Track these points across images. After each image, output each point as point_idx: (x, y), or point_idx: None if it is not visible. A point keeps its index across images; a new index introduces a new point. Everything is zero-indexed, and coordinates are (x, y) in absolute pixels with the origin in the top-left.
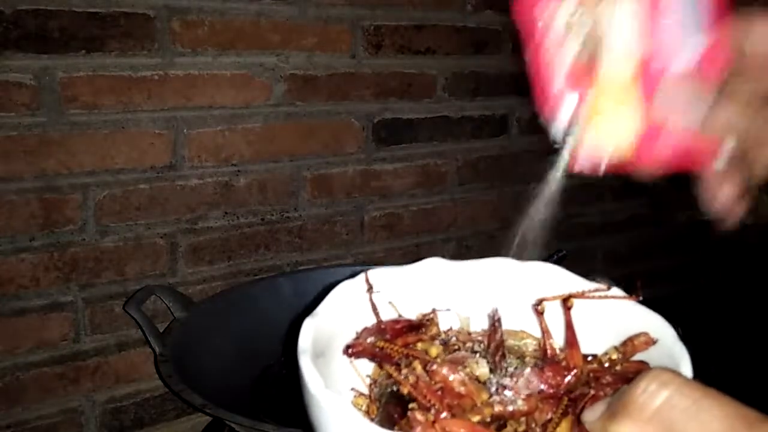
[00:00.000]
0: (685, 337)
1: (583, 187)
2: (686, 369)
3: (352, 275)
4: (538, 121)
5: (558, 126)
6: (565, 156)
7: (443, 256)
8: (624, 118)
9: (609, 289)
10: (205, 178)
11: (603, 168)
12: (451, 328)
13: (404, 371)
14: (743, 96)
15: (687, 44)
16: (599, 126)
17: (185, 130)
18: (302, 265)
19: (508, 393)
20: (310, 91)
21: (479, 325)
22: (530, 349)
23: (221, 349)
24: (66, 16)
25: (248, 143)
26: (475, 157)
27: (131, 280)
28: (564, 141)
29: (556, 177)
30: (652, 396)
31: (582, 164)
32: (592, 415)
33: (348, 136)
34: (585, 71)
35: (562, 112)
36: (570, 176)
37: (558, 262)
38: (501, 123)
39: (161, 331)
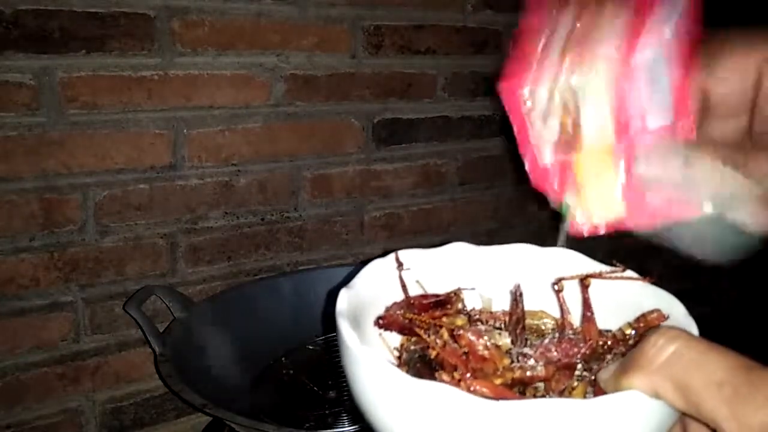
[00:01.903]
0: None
1: None
2: (693, 331)
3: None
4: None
5: (553, 198)
6: (565, 225)
7: None
8: (610, 182)
9: (624, 271)
10: (205, 178)
11: (601, 230)
12: (474, 308)
13: (432, 337)
14: (714, 142)
15: (658, 102)
16: (589, 192)
17: (185, 130)
18: (302, 265)
19: (527, 361)
20: (310, 91)
21: (500, 306)
22: (549, 327)
23: (221, 349)
24: (66, 16)
25: (248, 143)
26: (475, 157)
27: (131, 280)
28: (561, 211)
29: (560, 245)
30: (661, 350)
31: (580, 230)
32: (605, 373)
33: (348, 136)
34: (569, 142)
35: (553, 184)
36: (574, 241)
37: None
38: (501, 123)
39: (161, 331)
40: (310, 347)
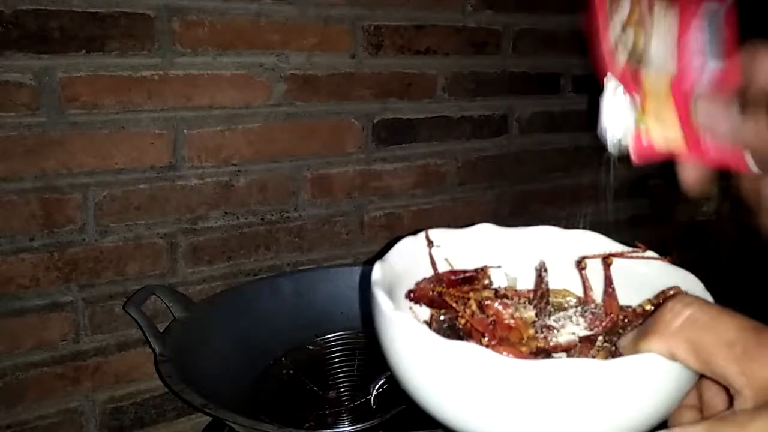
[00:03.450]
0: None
1: (583, 187)
2: (709, 299)
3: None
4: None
5: (610, 120)
6: (616, 146)
7: None
8: (665, 125)
9: (645, 251)
10: (205, 178)
11: (652, 158)
12: (500, 286)
13: (461, 307)
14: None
15: (715, 48)
16: (647, 124)
17: (185, 130)
18: (302, 265)
19: (550, 331)
20: (310, 91)
21: (525, 285)
22: (572, 304)
23: (221, 349)
24: (66, 16)
25: (248, 143)
26: (475, 157)
27: (131, 280)
28: (613, 134)
29: (610, 167)
30: (677, 314)
31: (633, 154)
32: (625, 339)
33: (348, 136)
34: (633, 75)
35: (613, 104)
36: (620, 167)
37: None
38: (501, 123)
39: (161, 331)
40: (310, 347)
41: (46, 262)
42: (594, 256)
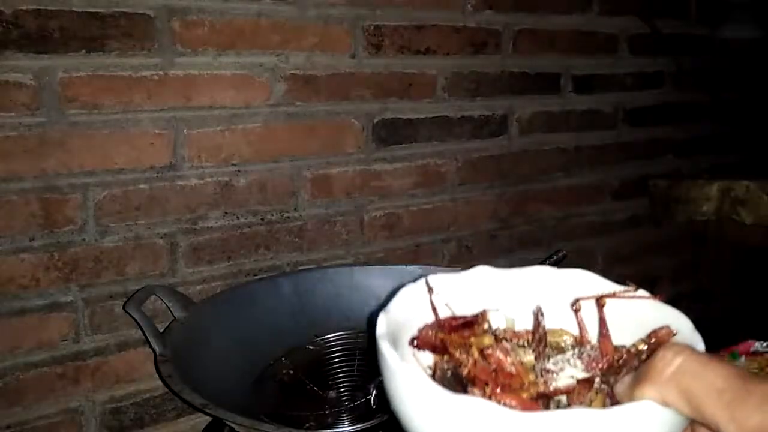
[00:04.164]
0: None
1: (583, 187)
2: (700, 348)
3: (415, 279)
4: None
5: None
6: None
7: (443, 256)
8: None
9: (636, 290)
10: (205, 178)
11: None
12: (498, 327)
13: (463, 356)
14: None
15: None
16: None
17: (185, 130)
18: (302, 265)
19: (549, 375)
20: (310, 91)
21: (523, 325)
22: (568, 344)
23: (221, 349)
24: (66, 16)
25: (248, 143)
26: (475, 157)
27: (131, 280)
28: None
29: None
30: (669, 363)
31: None
32: (621, 385)
33: (348, 136)
34: None
35: None
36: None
37: (558, 262)
38: (501, 123)
39: (161, 331)
40: (310, 347)
41: (46, 262)
42: (587, 298)
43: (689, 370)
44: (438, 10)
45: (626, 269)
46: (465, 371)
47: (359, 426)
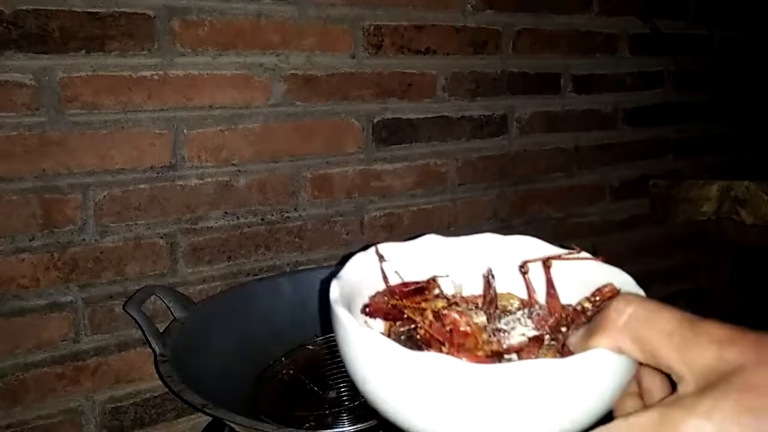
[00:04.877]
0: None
1: (583, 187)
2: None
3: (365, 248)
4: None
5: None
6: None
7: None
8: None
9: (580, 252)
10: (205, 178)
11: None
12: (448, 293)
13: (418, 317)
14: None
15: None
16: None
17: (185, 130)
18: (302, 265)
19: (501, 334)
20: (310, 91)
21: (471, 291)
22: (515, 307)
23: (221, 349)
24: (66, 16)
25: (248, 143)
26: (475, 157)
27: (131, 280)
28: None
29: None
30: (621, 312)
31: None
32: (575, 337)
33: (348, 136)
34: None
35: None
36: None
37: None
38: (501, 123)
39: (161, 331)
40: (310, 347)
41: (46, 262)
42: (535, 260)
43: (641, 317)
44: (438, 10)
45: (626, 269)
46: (420, 333)
47: (359, 426)
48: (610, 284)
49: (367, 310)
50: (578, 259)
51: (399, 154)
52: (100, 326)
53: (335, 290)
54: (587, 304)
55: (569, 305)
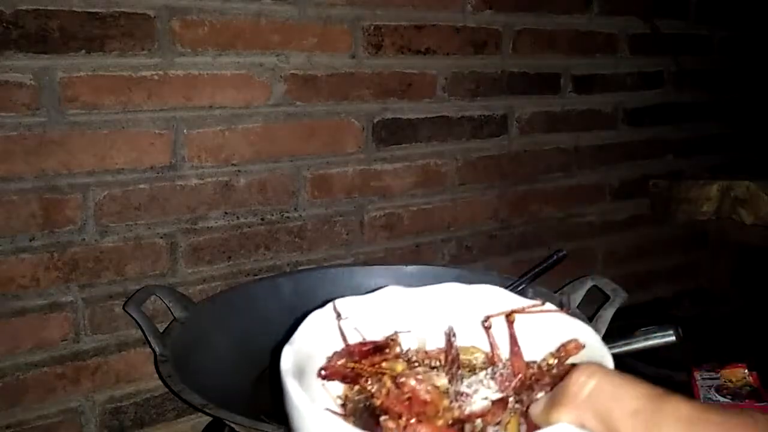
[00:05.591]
0: (685, 336)
1: (583, 187)
2: (609, 364)
3: (322, 304)
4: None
5: None
6: None
7: (443, 256)
8: None
9: (543, 304)
10: (205, 178)
11: None
12: (410, 348)
13: (375, 386)
14: None
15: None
16: None
17: (185, 130)
18: (302, 265)
19: (464, 399)
20: (310, 91)
21: (434, 344)
22: (480, 361)
23: (221, 349)
24: (66, 16)
25: (248, 143)
26: (475, 157)
27: (131, 280)
28: None
29: None
30: (583, 386)
31: None
32: (536, 408)
33: (348, 136)
34: None
35: None
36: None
37: (558, 262)
38: (501, 123)
39: (161, 331)
40: None
41: (46, 262)
42: (497, 315)
43: (604, 391)
44: (438, 10)
45: (626, 269)
46: (378, 402)
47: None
48: (574, 340)
49: (323, 373)
50: (542, 311)
51: (399, 154)
52: (100, 326)
53: (287, 358)
54: (552, 360)
55: (533, 362)
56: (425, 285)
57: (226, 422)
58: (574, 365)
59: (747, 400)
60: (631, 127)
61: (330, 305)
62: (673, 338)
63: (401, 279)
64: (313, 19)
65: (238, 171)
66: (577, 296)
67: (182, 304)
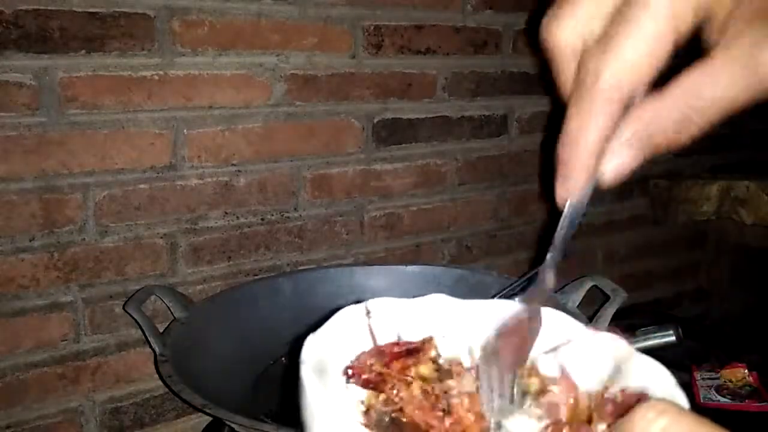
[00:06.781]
0: (685, 336)
1: None
2: (682, 402)
3: (357, 301)
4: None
5: None
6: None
7: (443, 256)
8: None
9: (612, 332)
10: (205, 178)
11: None
12: (444, 357)
13: (404, 392)
14: None
15: None
16: None
17: (185, 130)
18: (302, 265)
19: (509, 422)
20: (310, 91)
21: (468, 357)
22: (533, 389)
23: (221, 349)
24: (66, 16)
25: (248, 143)
26: (475, 157)
27: (131, 280)
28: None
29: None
30: (650, 423)
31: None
32: None
33: (348, 136)
34: None
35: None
36: None
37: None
38: (501, 123)
39: (161, 331)
40: None
41: (46, 262)
42: (550, 350)
43: None
44: (438, 10)
45: (626, 269)
46: (405, 416)
47: None
48: (644, 393)
49: (350, 372)
50: (603, 342)
51: (399, 154)
52: (100, 326)
53: (310, 350)
54: (615, 390)
55: (587, 391)
56: (430, 288)
57: (226, 422)
58: (641, 394)
59: (747, 400)
60: None
61: (363, 303)
62: (673, 338)
63: (401, 279)
64: (314, 19)
65: (238, 171)
66: (577, 296)
67: (182, 304)
